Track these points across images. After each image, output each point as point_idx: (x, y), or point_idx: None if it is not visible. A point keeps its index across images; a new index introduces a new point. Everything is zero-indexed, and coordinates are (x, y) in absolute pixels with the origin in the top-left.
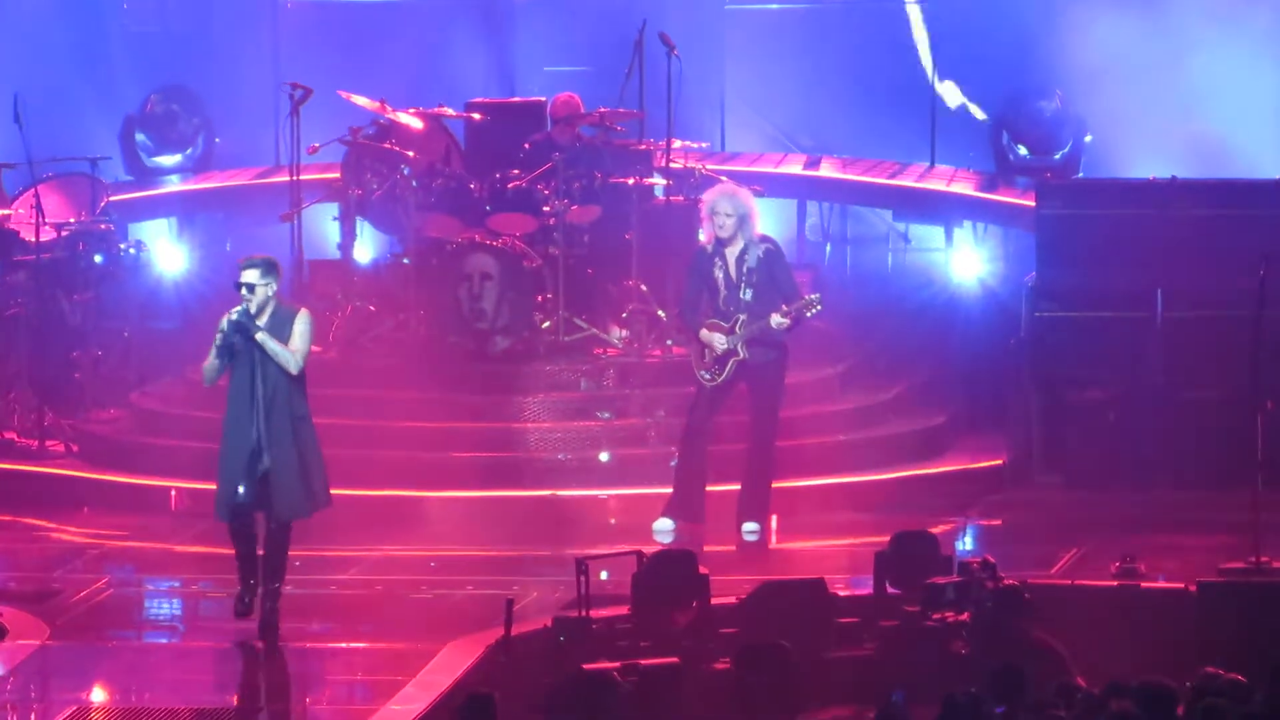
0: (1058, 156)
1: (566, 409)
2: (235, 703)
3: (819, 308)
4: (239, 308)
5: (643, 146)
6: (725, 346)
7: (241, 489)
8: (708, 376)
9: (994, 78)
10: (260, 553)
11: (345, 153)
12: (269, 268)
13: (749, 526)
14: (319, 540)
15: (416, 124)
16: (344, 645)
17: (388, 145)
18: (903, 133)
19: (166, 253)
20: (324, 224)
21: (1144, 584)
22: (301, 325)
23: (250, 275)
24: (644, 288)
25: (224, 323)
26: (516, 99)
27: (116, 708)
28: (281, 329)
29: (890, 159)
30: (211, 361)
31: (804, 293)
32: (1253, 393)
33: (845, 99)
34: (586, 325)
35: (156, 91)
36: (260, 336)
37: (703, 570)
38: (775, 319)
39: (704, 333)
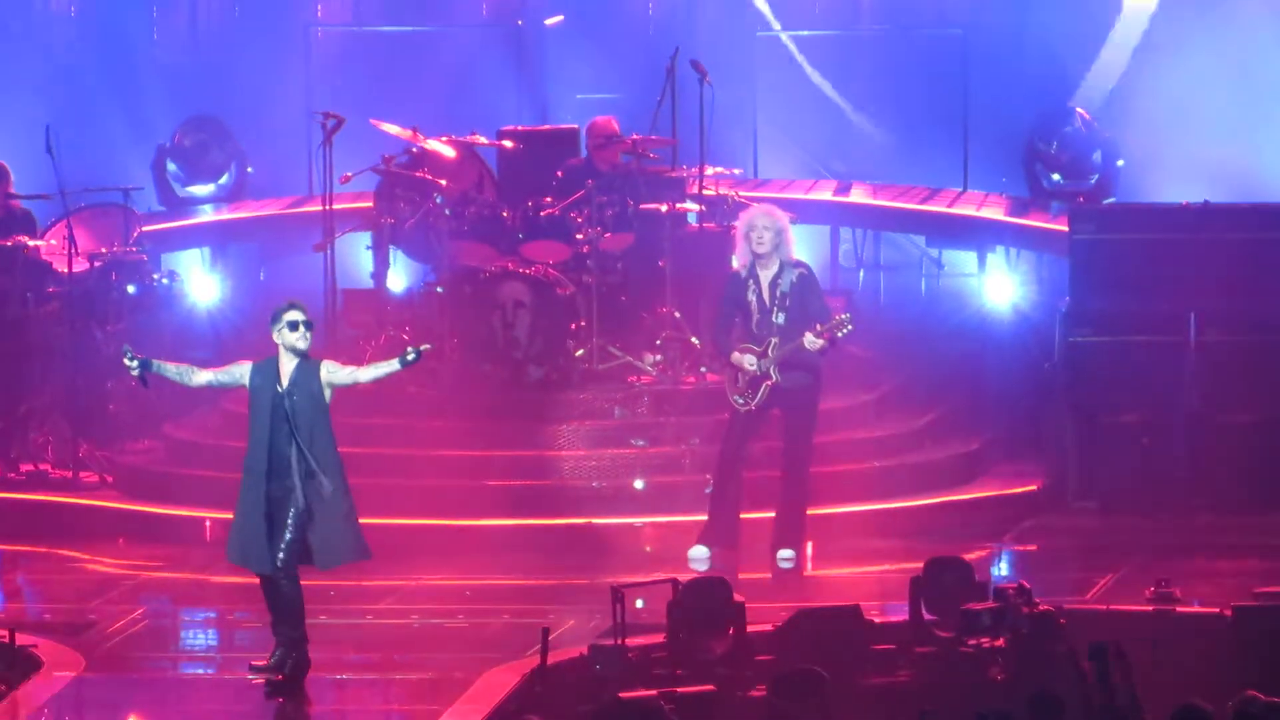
0: (1091, 181)
1: (601, 437)
2: None
3: (850, 327)
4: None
5: (675, 173)
6: (757, 370)
7: (282, 540)
8: (740, 401)
9: (1026, 103)
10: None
11: (378, 181)
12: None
13: (784, 553)
14: (354, 570)
15: (449, 152)
16: (380, 676)
17: (420, 174)
18: (935, 158)
19: (200, 283)
20: (357, 253)
21: (1180, 609)
22: (335, 365)
23: (300, 312)
24: (677, 315)
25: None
26: (549, 126)
27: None
28: (309, 379)
29: (923, 184)
30: (182, 376)
31: (836, 316)
32: None
33: (877, 124)
34: (620, 353)
35: (188, 121)
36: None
37: (738, 598)
38: (809, 338)
39: (736, 356)
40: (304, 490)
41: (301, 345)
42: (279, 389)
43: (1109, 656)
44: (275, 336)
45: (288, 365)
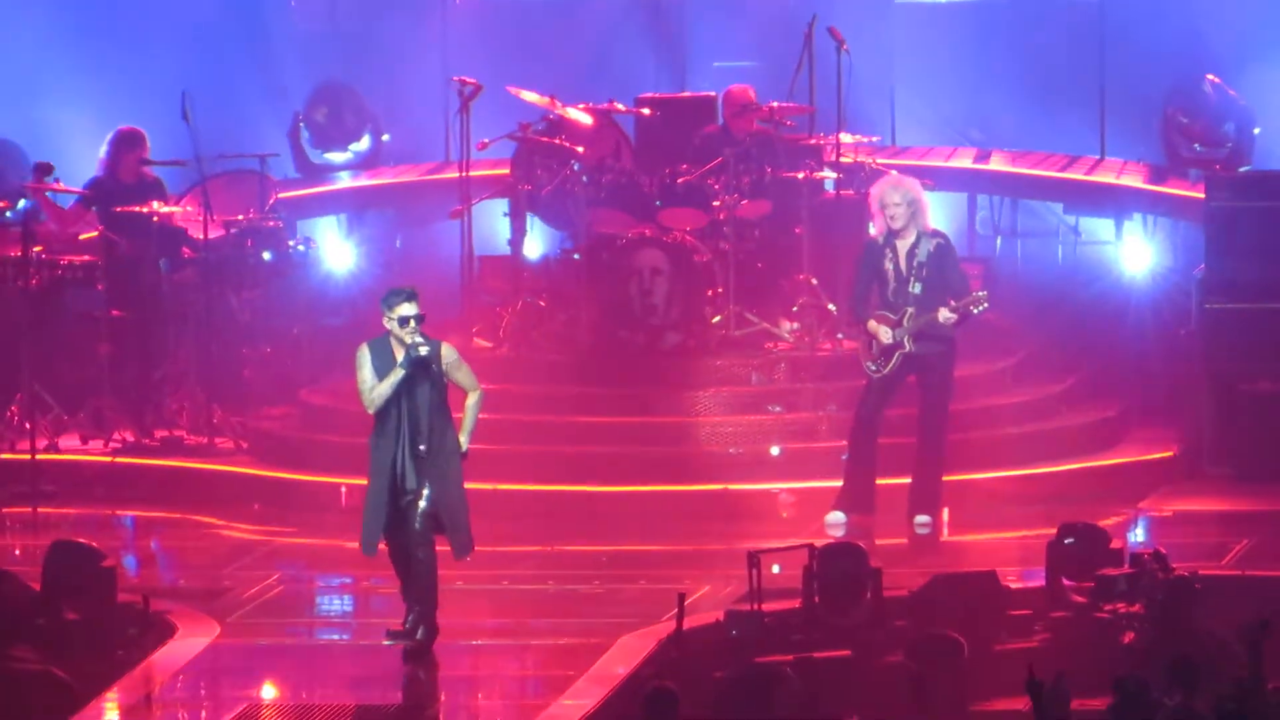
0: (1225, 149)
1: (737, 403)
2: (406, 699)
3: (986, 305)
4: (416, 340)
5: (813, 141)
6: (891, 339)
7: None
8: (874, 368)
9: (1163, 71)
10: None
11: (515, 149)
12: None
13: (920, 519)
14: (491, 536)
15: (586, 119)
16: (516, 641)
17: (558, 141)
18: (1072, 125)
19: (335, 249)
20: (494, 220)
21: None
22: (459, 359)
23: (414, 306)
24: (814, 282)
25: (411, 353)
26: (686, 94)
27: (287, 704)
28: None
29: (1060, 152)
30: (385, 391)
31: (973, 288)
32: None
33: (1014, 92)
34: (757, 320)
35: (324, 88)
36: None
37: (874, 563)
38: (943, 314)
39: (871, 324)
40: (421, 467)
41: (408, 340)
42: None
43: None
44: (385, 322)
45: (401, 346)
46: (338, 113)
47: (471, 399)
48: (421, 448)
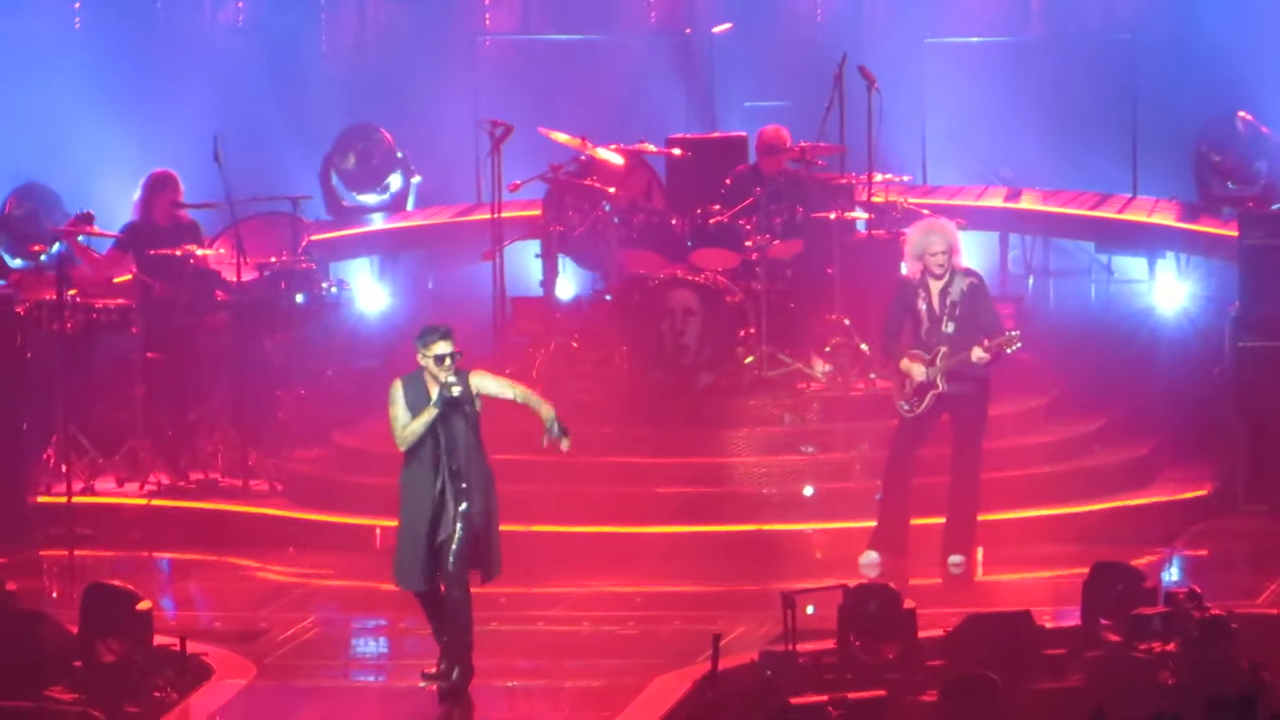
0: (1257, 186)
1: (770, 443)
2: None
3: (1019, 345)
4: (449, 380)
5: (844, 180)
6: (924, 378)
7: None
8: (906, 407)
9: (1195, 107)
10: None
11: (546, 190)
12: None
13: (954, 559)
14: (525, 578)
15: (617, 160)
16: (550, 682)
17: (589, 182)
18: (1104, 163)
19: (368, 291)
20: (526, 261)
21: None
22: (488, 378)
23: (449, 344)
24: (846, 321)
25: (444, 393)
26: (717, 134)
27: None
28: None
29: (1092, 190)
30: (417, 430)
31: (1006, 326)
32: None
33: (1046, 130)
34: (789, 360)
35: (355, 130)
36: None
37: (908, 603)
38: (976, 353)
39: (904, 363)
40: (460, 501)
41: (444, 378)
42: (431, 403)
43: None
44: (420, 359)
45: (435, 382)
46: (366, 155)
47: (516, 392)
48: (460, 479)
